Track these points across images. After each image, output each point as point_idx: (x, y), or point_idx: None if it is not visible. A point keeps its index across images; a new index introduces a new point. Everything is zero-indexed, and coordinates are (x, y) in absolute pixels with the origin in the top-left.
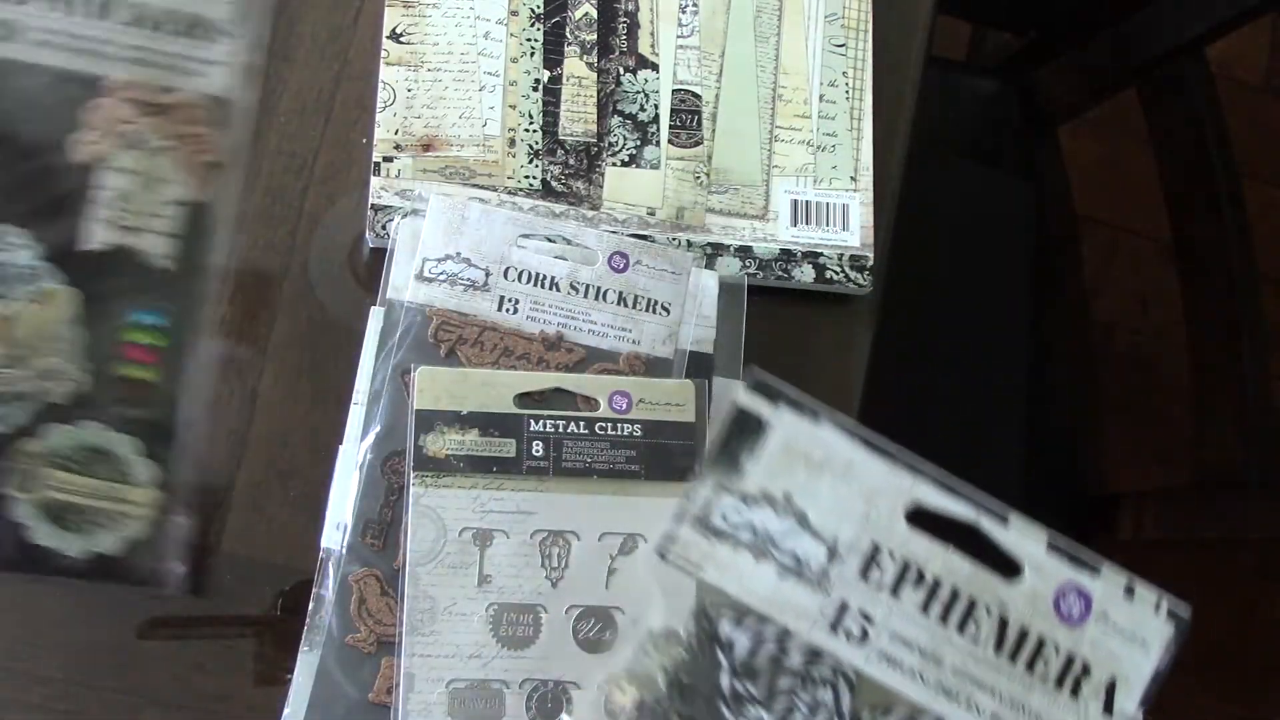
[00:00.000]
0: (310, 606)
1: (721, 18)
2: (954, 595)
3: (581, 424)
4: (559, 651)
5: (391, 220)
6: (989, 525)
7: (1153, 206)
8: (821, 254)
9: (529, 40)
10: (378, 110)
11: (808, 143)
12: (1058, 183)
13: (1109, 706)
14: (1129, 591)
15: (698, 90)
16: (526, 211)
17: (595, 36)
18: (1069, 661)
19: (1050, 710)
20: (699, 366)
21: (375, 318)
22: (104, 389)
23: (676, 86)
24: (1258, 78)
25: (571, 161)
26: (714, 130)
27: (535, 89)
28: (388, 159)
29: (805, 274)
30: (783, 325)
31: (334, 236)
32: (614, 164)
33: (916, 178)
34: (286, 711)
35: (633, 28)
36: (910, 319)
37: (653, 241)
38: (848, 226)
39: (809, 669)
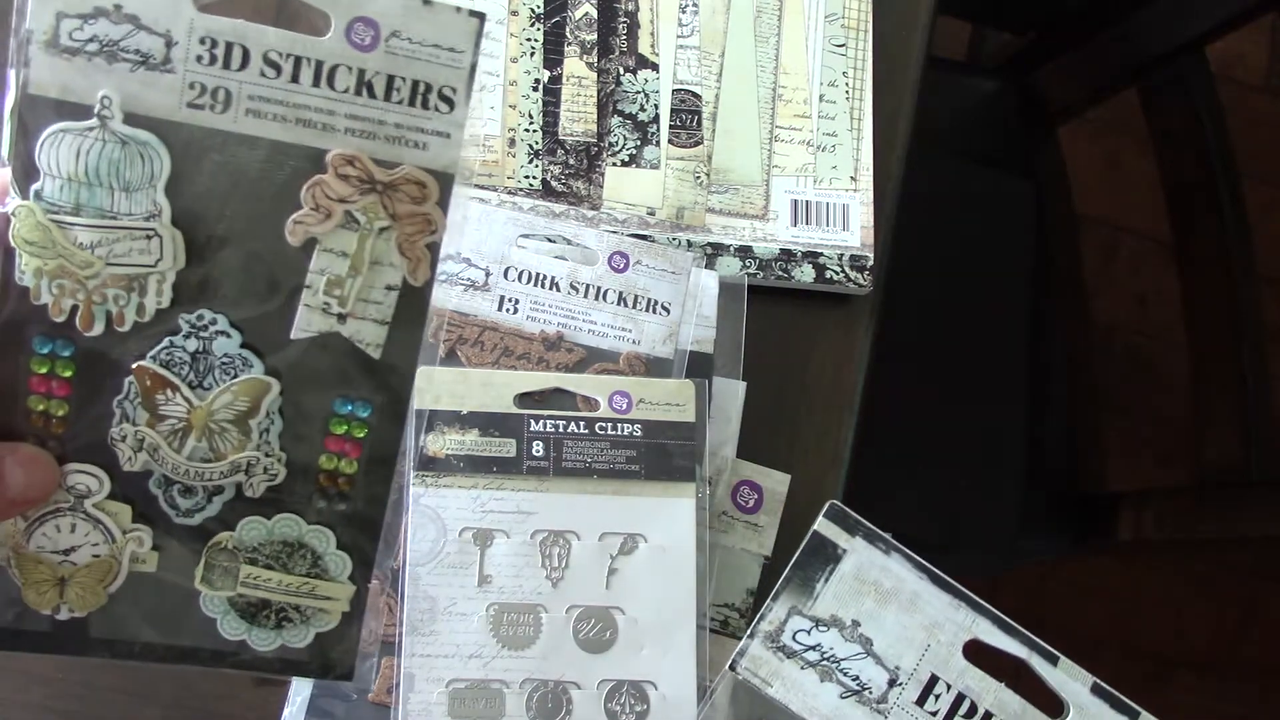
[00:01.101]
0: None
1: (721, 18)
2: None
3: (581, 424)
4: (559, 651)
5: None
6: (1039, 665)
7: (1153, 206)
8: (821, 254)
9: (529, 40)
10: None
11: (808, 143)
12: (1058, 183)
13: None
14: None
15: (698, 90)
16: (526, 211)
17: (595, 36)
18: None
19: None
20: (699, 366)
21: None
22: (303, 481)
23: (676, 86)
24: (1258, 78)
25: (571, 161)
26: (714, 130)
27: (535, 89)
28: None
29: (805, 274)
30: (783, 325)
31: None
32: (614, 164)
33: (916, 178)
34: (287, 711)
35: (633, 28)
36: (910, 319)
37: (653, 241)
38: (848, 226)
39: None
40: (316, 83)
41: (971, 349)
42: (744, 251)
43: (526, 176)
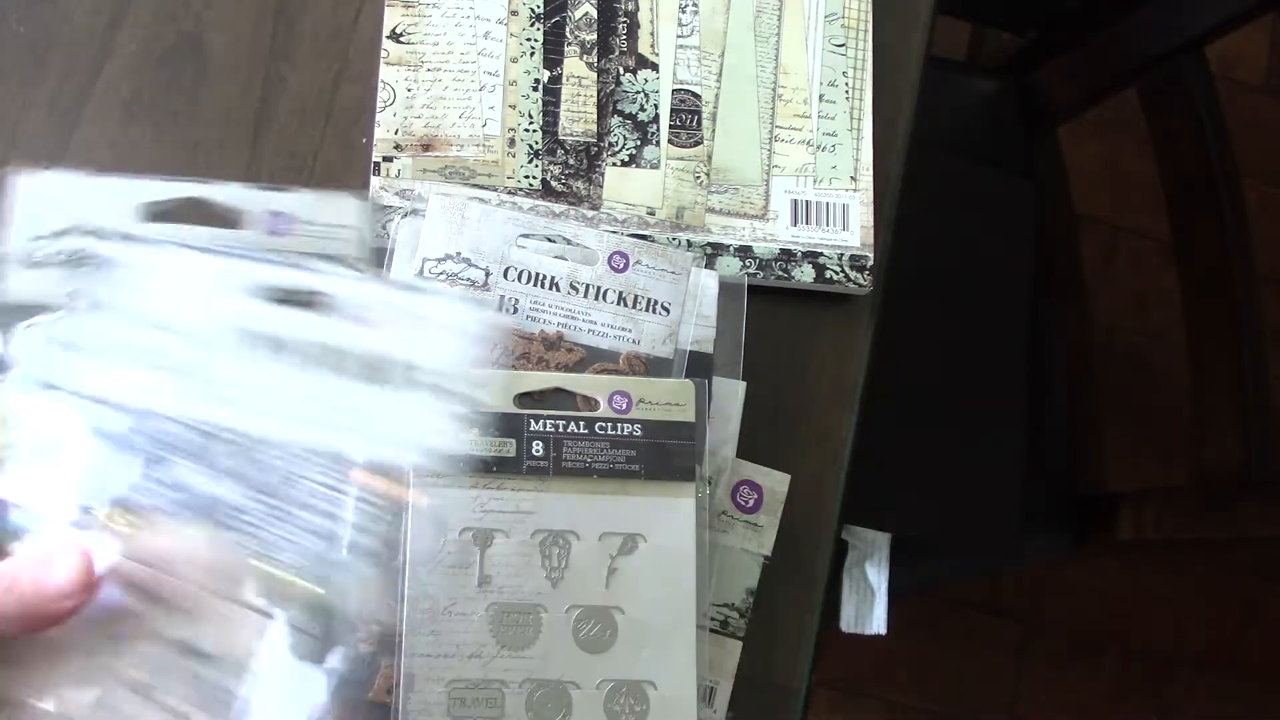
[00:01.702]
0: None
1: (721, 18)
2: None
3: (581, 424)
4: (558, 651)
5: (391, 220)
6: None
7: (1153, 206)
8: (821, 254)
9: (529, 40)
10: (378, 110)
11: (808, 143)
12: (1058, 183)
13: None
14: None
15: (698, 90)
16: (526, 211)
17: (595, 36)
18: None
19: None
20: (699, 366)
21: None
22: None
23: (676, 86)
24: (1258, 78)
25: (571, 161)
26: (714, 130)
27: (535, 89)
28: (388, 159)
29: (805, 274)
30: (783, 325)
31: None
32: (614, 164)
33: (916, 178)
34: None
35: (633, 28)
36: (910, 319)
37: (653, 241)
38: (848, 226)
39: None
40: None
41: (971, 349)
42: (744, 251)
43: (526, 176)
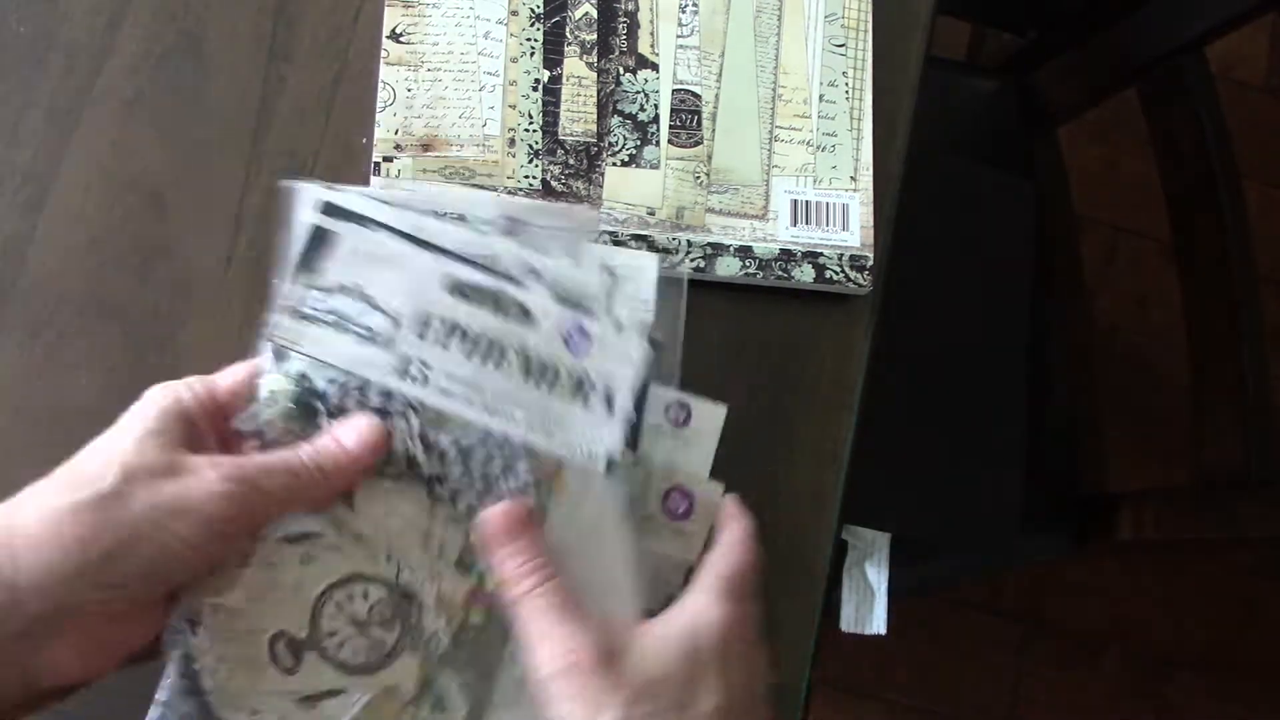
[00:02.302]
0: None
1: (721, 18)
2: (490, 343)
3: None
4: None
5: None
6: (511, 289)
7: (1153, 206)
8: (821, 254)
9: (529, 40)
10: (378, 110)
11: (808, 143)
12: (1058, 183)
13: (610, 408)
14: (618, 326)
15: (698, 90)
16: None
17: (595, 36)
18: (579, 381)
19: (568, 414)
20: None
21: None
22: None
23: (676, 86)
24: (1258, 78)
25: (571, 161)
26: (714, 130)
27: (535, 89)
28: (388, 159)
29: (805, 274)
30: (783, 325)
31: None
32: (614, 164)
33: (916, 178)
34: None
35: (633, 28)
36: (910, 319)
37: (650, 242)
38: (848, 226)
39: (386, 405)
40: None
41: (971, 349)
42: (744, 251)
43: (526, 176)
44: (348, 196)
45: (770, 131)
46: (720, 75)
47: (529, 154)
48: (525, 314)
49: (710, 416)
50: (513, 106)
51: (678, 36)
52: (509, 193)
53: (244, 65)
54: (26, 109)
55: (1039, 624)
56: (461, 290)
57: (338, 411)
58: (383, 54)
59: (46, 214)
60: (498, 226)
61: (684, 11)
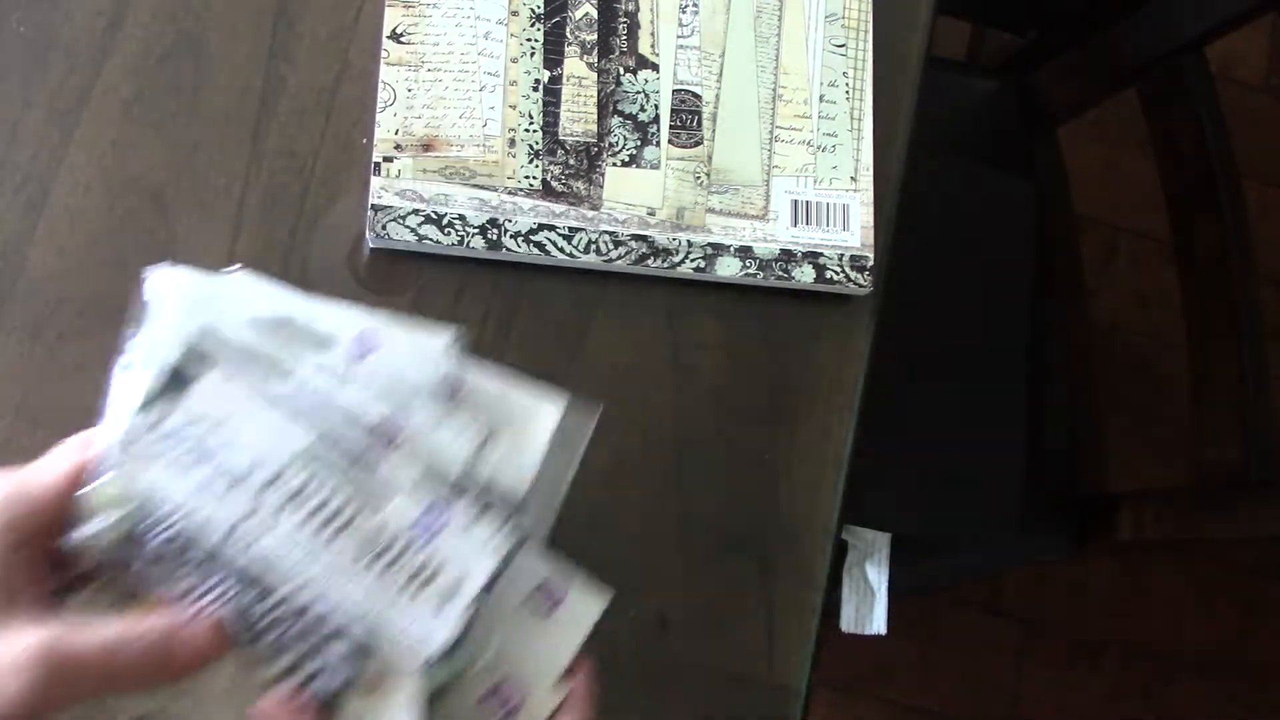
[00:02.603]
0: None
1: (721, 18)
2: (335, 512)
3: None
4: None
5: (392, 221)
6: (373, 454)
7: (1153, 206)
8: (821, 254)
9: (529, 40)
10: (378, 110)
11: (808, 143)
12: (1058, 183)
13: (451, 599)
14: (484, 506)
15: (698, 90)
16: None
17: (595, 36)
18: (420, 567)
19: (396, 603)
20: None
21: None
22: None
23: (676, 86)
24: (1258, 78)
25: (572, 161)
26: (714, 130)
27: (535, 89)
28: (388, 159)
29: (805, 274)
30: (783, 325)
31: (334, 236)
32: (614, 164)
33: (916, 178)
34: None
35: (633, 28)
36: (910, 319)
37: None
38: (848, 226)
39: (212, 554)
40: None
41: (971, 349)
42: (744, 251)
43: (526, 177)
44: (217, 334)
45: (770, 132)
46: (720, 75)
47: (529, 154)
48: (383, 484)
49: (583, 609)
50: (513, 107)
51: (678, 37)
52: (509, 193)
53: (244, 65)
54: (26, 109)
55: (1039, 624)
56: (315, 452)
57: (164, 552)
58: (383, 54)
59: (46, 214)
60: (439, 392)
61: (684, 12)
